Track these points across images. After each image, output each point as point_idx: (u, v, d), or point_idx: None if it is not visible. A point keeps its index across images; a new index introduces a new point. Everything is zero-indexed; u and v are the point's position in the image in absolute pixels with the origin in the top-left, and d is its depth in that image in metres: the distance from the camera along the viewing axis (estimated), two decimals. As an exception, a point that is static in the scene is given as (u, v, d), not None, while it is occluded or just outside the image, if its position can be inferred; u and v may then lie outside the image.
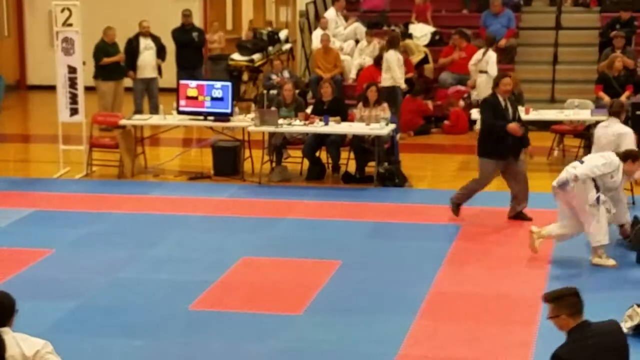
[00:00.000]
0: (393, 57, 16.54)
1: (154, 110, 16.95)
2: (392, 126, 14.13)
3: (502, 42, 18.66)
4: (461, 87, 18.04)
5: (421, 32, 19.43)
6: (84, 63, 14.82)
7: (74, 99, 14.62)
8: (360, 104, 14.49)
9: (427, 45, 19.17)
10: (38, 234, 11.46)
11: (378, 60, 17.66)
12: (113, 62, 17.39)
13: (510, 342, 8.34)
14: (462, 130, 17.39)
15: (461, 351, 8.23)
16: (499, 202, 12.74)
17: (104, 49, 17.37)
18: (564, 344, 5.64)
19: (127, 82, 17.88)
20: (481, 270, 10.22)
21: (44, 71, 20.95)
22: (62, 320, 8.88)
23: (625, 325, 8.32)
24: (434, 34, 19.52)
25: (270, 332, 8.61)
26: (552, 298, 5.67)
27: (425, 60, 18.77)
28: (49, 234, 11.45)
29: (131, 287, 9.76)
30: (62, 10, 14.43)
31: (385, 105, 14.44)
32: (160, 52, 17.88)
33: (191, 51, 18.41)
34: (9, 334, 5.63)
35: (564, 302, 5.62)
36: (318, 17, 20.23)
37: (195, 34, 18.53)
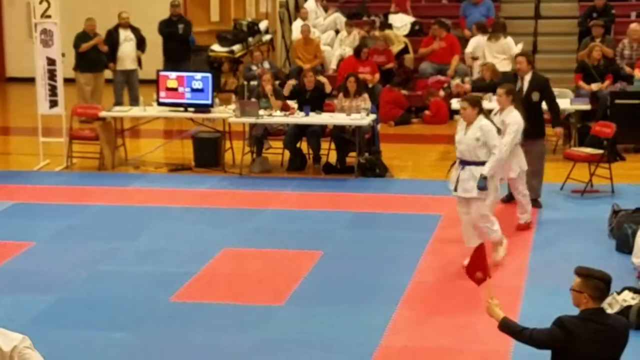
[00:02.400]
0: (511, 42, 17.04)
1: (134, 101, 16.91)
2: (373, 116, 14.15)
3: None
4: (441, 77, 18.06)
5: (401, 22, 19.45)
6: (63, 55, 14.75)
7: (53, 91, 14.57)
8: (341, 95, 14.50)
9: (407, 36, 19.19)
10: (18, 227, 11.43)
11: (358, 51, 17.68)
12: (92, 47, 17.19)
13: (491, 331, 8.32)
14: (443, 120, 17.41)
15: (443, 340, 8.27)
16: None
17: (84, 39, 17.28)
18: (573, 316, 5.66)
19: (107, 73, 17.81)
20: (461, 259, 10.22)
21: (23, 63, 20.83)
22: (43, 313, 8.87)
23: (605, 313, 8.36)
24: (413, 24, 19.54)
25: (252, 323, 8.62)
26: (583, 274, 5.70)
27: (405, 51, 18.78)
28: (29, 227, 11.41)
29: (112, 280, 9.75)
30: (41, 2, 14.36)
31: (365, 95, 14.45)
32: (140, 44, 17.81)
33: (176, 44, 18.32)
34: None
35: (591, 283, 5.65)
36: (298, 7, 20.22)
37: (181, 26, 18.43)
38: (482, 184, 9.64)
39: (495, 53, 16.96)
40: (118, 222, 11.66)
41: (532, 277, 9.79)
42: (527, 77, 11.81)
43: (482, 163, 9.68)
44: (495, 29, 17.20)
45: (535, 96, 11.82)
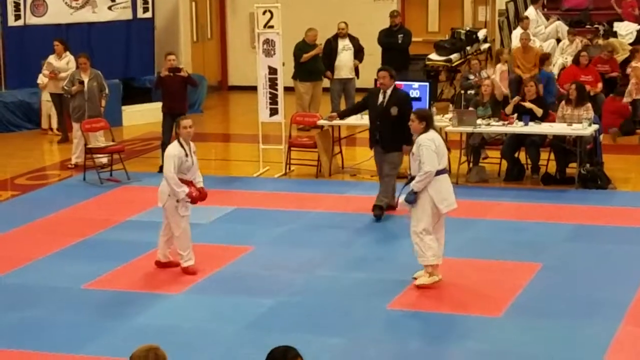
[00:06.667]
0: None
1: (351, 110, 17.00)
2: (595, 127, 13.72)
3: None
4: (669, 87, 17.32)
5: (626, 30, 18.82)
6: (283, 64, 15.00)
7: (273, 99, 14.84)
8: (563, 102, 14.15)
9: (632, 44, 18.54)
10: (238, 231, 11.67)
11: (577, 57, 17.23)
12: (312, 56, 17.47)
13: None
14: (670, 131, 16.71)
15: (670, 360, 7.88)
16: None
17: (304, 49, 17.56)
18: None
19: (325, 82, 18.04)
20: (691, 276, 9.78)
21: (245, 72, 21.39)
22: (261, 316, 8.99)
23: None
24: (639, 32, 18.86)
25: (468, 334, 8.49)
26: None
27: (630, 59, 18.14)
28: (248, 231, 11.64)
29: (328, 285, 9.81)
30: (264, 13, 14.67)
31: (589, 105, 14.03)
32: (358, 53, 17.94)
33: (395, 54, 18.33)
34: None
35: None
36: (518, 16, 19.87)
37: (400, 36, 18.45)
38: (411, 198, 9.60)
39: None
40: (334, 229, 11.73)
41: None
42: (388, 92, 12.00)
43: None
44: None
45: (394, 110, 11.89)
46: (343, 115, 13.67)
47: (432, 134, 9.62)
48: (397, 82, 14.63)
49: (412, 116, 9.77)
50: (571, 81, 15.00)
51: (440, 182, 9.57)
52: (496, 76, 16.73)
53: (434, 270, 9.61)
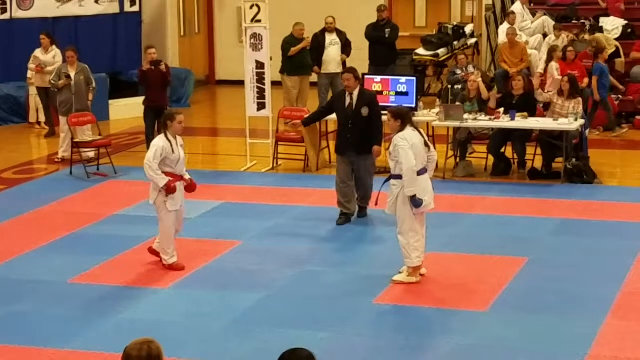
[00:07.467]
0: None
1: (339, 105, 16.99)
2: (581, 121, 13.77)
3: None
4: (654, 81, 17.41)
5: (612, 25, 18.87)
6: (270, 58, 15.00)
7: (261, 93, 14.84)
8: (555, 93, 14.24)
9: (618, 39, 18.59)
10: (226, 226, 11.68)
11: (563, 54, 17.27)
12: (300, 50, 17.46)
13: None
14: (655, 125, 16.79)
15: (654, 354, 7.92)
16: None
17: (292, 43, 17.55)
18: None
19: (313, 77, 18.04)
20: (676, 270, 9.83)
21: (232, 67, 21.35)
22: (248, 310, 9.01)
23: None
24: (625, 27, 18.92)
25: (454, 328, 8.52)
26: None
27: (616, 54, 18.21)
28: (236, 226, 11.65)
29: (316, 280, 9.83)
30: (251, 7, 14.67)
31: (580, 99, 14.09)
32: (346, 48, 17.95)
33: (382, 48, 18.36)
34: None
35: None
36: (505, 10, 19.91)
37: (387, 30, 18.47)
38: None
39: None
40: (321, 224, 11.74)
41: None
42: (355, 93, 11.69)
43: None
44: None
45: (365, 111, 11.64)
46: (307, 122, 13.10)
47: (406, 132, 9.49)
48: (383, 77, 14.76)
49: (388, 115, 9.67)
50: (565, 73, 15.06)
51: (416, 182, 9.46)
52: (552, 73, 16.66)
53: (414, 272, 9.62)
